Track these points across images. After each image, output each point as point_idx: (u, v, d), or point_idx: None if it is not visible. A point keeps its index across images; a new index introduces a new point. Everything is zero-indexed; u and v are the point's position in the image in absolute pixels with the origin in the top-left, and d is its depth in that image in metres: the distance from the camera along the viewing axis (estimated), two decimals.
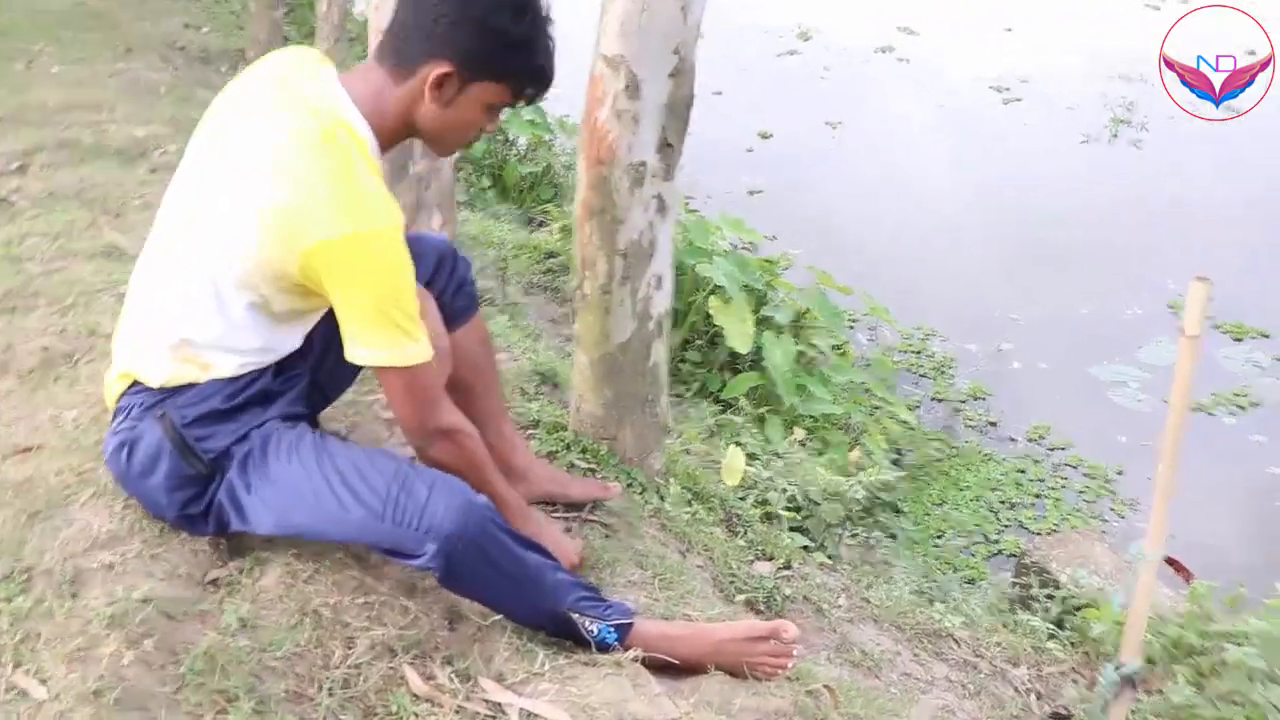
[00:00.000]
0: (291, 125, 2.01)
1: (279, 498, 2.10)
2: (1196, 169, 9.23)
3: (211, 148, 2.15)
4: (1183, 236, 8.20)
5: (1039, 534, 5.26)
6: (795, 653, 2.39)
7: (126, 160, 5.02)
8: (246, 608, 2.07)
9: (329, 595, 2.15)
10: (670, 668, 2.24)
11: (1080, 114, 10.40)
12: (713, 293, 5.16)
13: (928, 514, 5.42)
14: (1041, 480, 5.76)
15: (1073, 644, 3.54)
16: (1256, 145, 9.06)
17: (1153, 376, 6.51)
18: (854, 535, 4.06)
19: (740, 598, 2.91)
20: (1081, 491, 5.66)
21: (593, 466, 3.03)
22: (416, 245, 2.52)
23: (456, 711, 2.00)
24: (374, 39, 4.44)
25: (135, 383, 2.15)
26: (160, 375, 2.12)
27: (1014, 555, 4.98)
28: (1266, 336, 6.99)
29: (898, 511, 5.29)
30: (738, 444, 4.09)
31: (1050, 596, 4.02)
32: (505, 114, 2.32)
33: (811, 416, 5.18)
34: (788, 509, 3.66)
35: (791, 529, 3.60)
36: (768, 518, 3.58)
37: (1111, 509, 5.54)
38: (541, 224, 6.58)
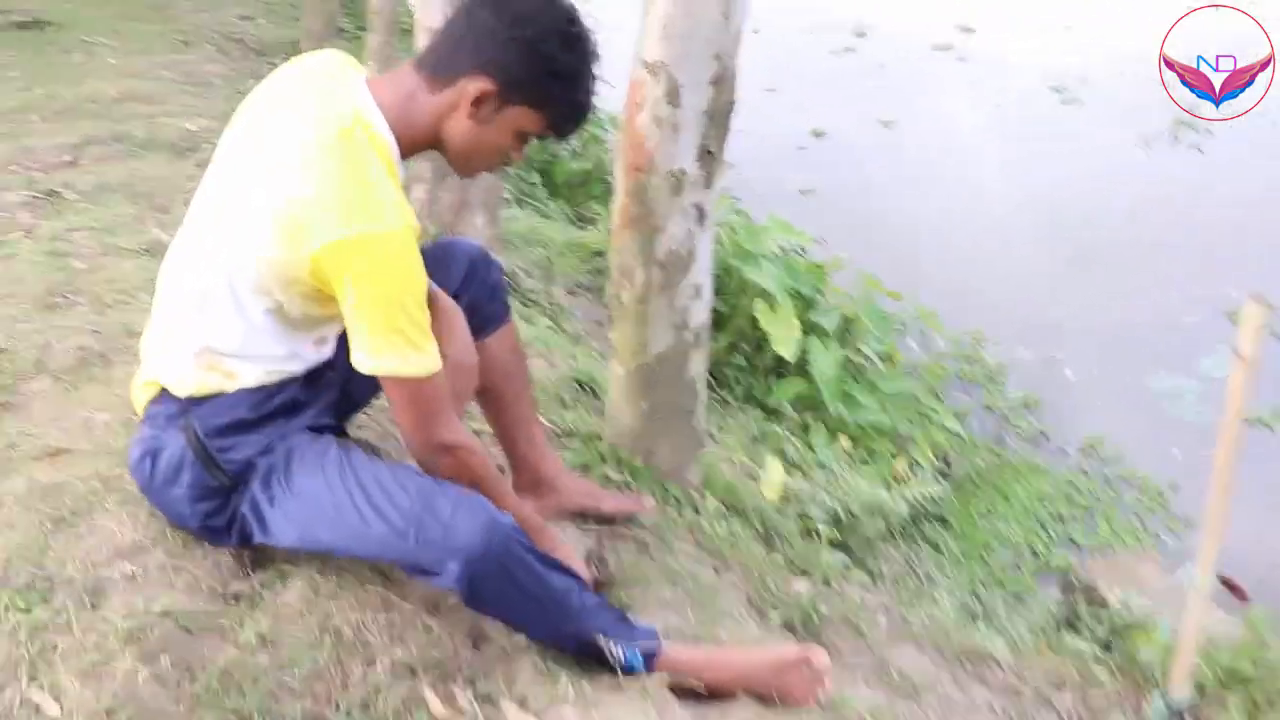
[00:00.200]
0: (310, 123, 1.98)
1: (301, 512, 2.07)
2: (1260, 174, 9.02)
3: (237, 146, 2.12)
4: (1244, 243, 8.01)
5: (1089, 550, 5.17)
6: (827, 680, 2.33)
7: (177, 154, 5.04)
8: (267, 623, 2.04)
9: (351, 612, 2.12)
10: (698, 694, 2.19)
11: (1141, 115, 10.18)
12: (759, 297, 5.10)
13: (975, 526, 5.32)
14: (1093, 494, 5.64)
15: (1120, 669, 3.45)
16: None
17: (1210, 388, 6.36)
18: (897, 549, 3.99)
19: (776, 617, 2.85)
20: (1134, 507, 5.54)
21: (627, 479, 2.98)
22: (447, 251, 2.50)
23: None
24: (421, 36, 4.43)
25: (163, 390, 2.13)
26: (186, 385, 2.09)
27: (1063, 571, 4.88)
28: None
29: (944, 523, 5.21)
30: (780, 454, 4.04)
31: (1098, 618, 3.93)
32: (530, 147, 2.27)
33: (858, 425, 5.10)
34: (828, 524, 3.59)
35: (831, 544, 3.54)
36: (807, 533, 3.52)
37: (1165, 525, 5.42)
38: (591, 222, 6.54)
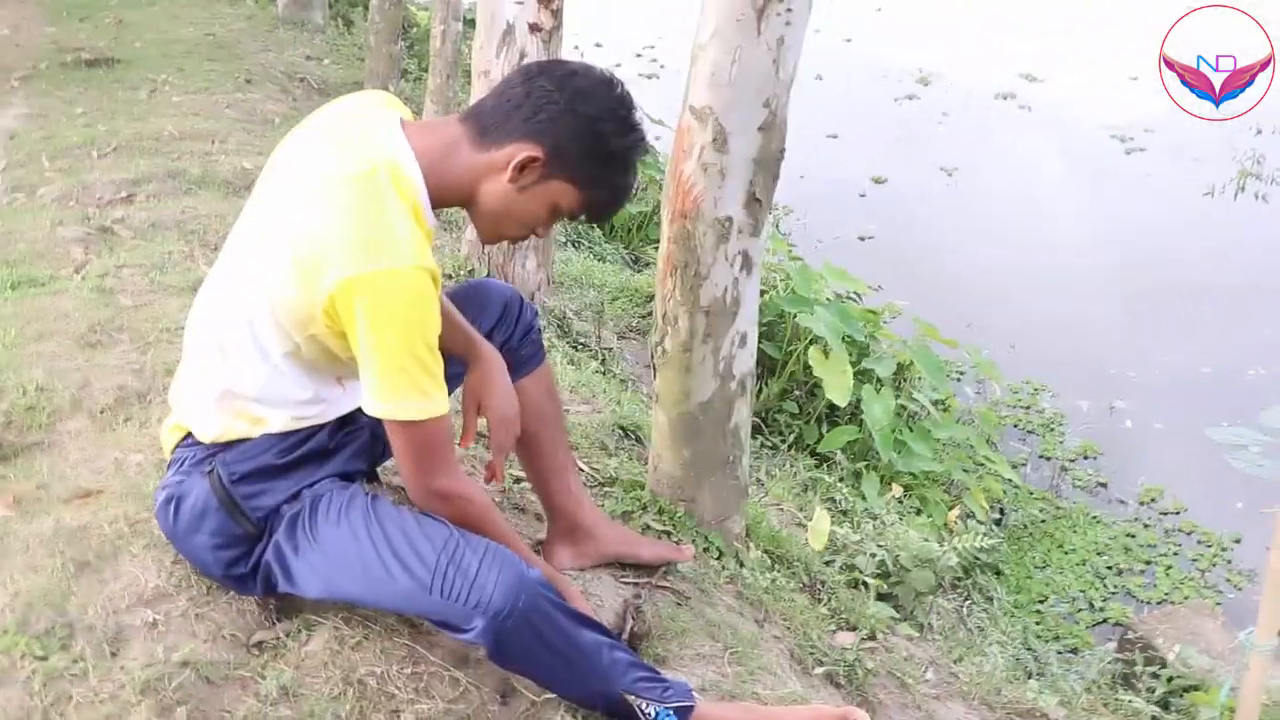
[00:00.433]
0: (336, 161, 1.95)
1: (326, 563, 2.03)
2: None
3: (267, 186, 2.11)
4: None
5: (1148, 603, 5.05)
6: None
7: (231, 191, 5.06)
8: (289, 674, 2.00)
9: (376, 664, 2.07)
10: None
11: (1206, 166, 10.07)
12: (812, 343, 5.04)
13: (1029, 577, 5.22)
14: (1152, 546, 5.52)
15: None
16: None
17: (1275, 440, 6.21)
18: (947, 600, 3.90)
19: (819, 671, 2.78)
20: (1195, 560, 5.41)
21: (668, 529, 2.92)
22: (480, 291, 2.48)
23: None
24: (477, 80, 4.44)
25: (188, 434, 2.10)
26: (211, 430, 2.07)
27: (1120, 625, 4.77)
28: None
29: (997, 573, 5.11)
30: (830, 502, 3.97)
31: (1156, 675, 3.83)
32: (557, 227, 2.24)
33: (910, 473, 5.03)
34: (876, 575, 3.52)
35: (879, 597, 3.45)
36: (854, 584, 3.45)
37: (1227, 579, 5.29)
38: (648, 265, 6.52)
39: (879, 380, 5.22)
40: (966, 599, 4.33)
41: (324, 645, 2.09)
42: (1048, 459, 6.19)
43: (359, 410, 2.17)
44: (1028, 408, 6.65)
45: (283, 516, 2.07)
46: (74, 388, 2.95)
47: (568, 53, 5.04)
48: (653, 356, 2.93)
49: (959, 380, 6.66)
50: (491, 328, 2.42)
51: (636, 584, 2.69)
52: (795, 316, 5.11)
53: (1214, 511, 5.74)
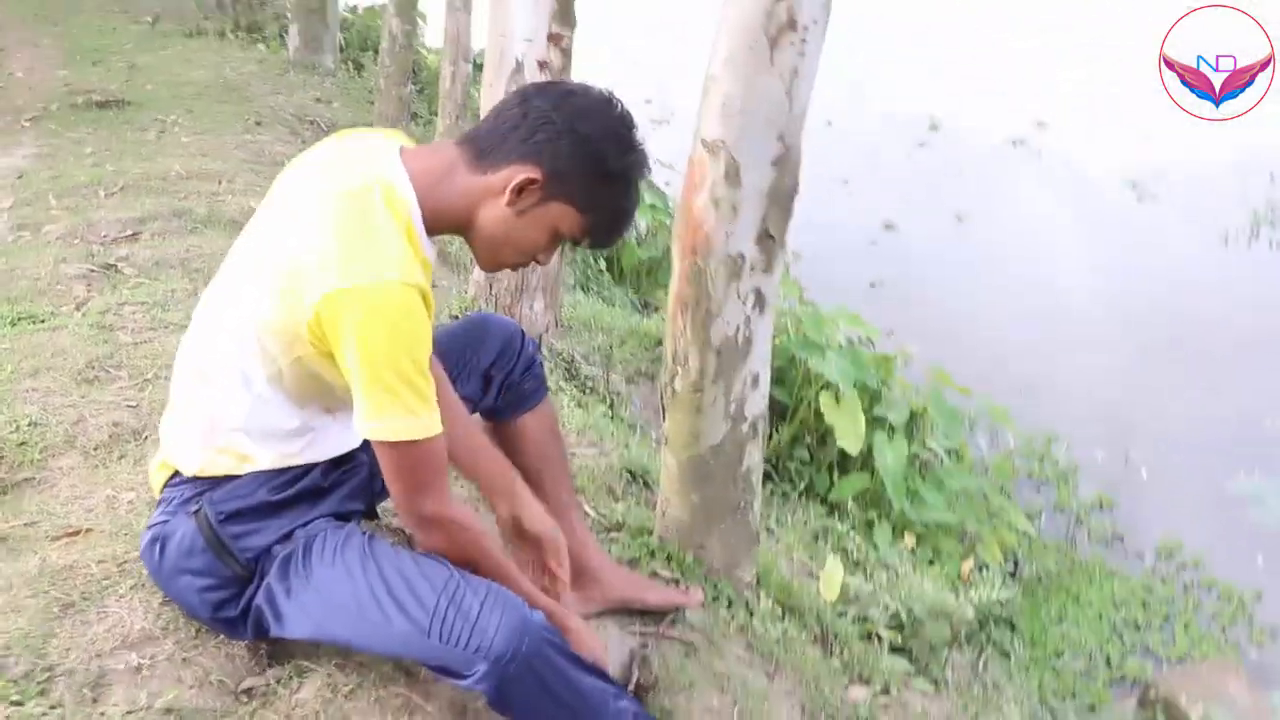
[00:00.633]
0: (330, 179, 1.90)
1: (320, 604, 1.94)
2: None
3: (260, 217, 2.05)
4: None
5: (1167, 660, 4.93)
6: None
7: (237, 231, 4.93)
8: None
9: (370, 713, 1.98)
10: None
11: (1219, 213, 10.01)
12: (824, 389, 4.96)
13: (1045, 631, 5.10)
14: (1171, 600, 5.41)
15: None
16: None
17: None
18: (962, 654, 3.80)
19: None
20: (1215, 615, 5.30)
21: (677, 576, 2.83)
22: (480, 326, 2.42)
23: None
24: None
25: (176, 473, 2.02)
26: (193, 464, 1.99)
27: (1138, 682, 4.65)
28: None
29: (1012, 627, 5.00)
30: (841, 552, 3.88)
31: None
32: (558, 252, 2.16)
33: (923, 522, 4.92)
34: (890, 627, 3.41)
35: (892, 650, 3.35)
36: (867, 636, 3.34)
37: (1249, 636, 5.17)
38: (657, 309, 6.45)
39: (891, 427, 5.13)
40: (981, 653, 4.21)
41: (316, 693, 1.99)
42: (1063, 510, 6.10)
43: (357, 449, 2.10)
44: (1041, 458, 6.55)
45: (274, 557, 1.98)
46: (68, 424, 2.88)
47: None
48: (662, 397, 2.85)
49: (972, 429, 6.56)
50: (491, 363, 2.36)
51: (644, 633, 2.60)
52: (807, 361, 5.03)
53: (1233, 565, 5.63)
